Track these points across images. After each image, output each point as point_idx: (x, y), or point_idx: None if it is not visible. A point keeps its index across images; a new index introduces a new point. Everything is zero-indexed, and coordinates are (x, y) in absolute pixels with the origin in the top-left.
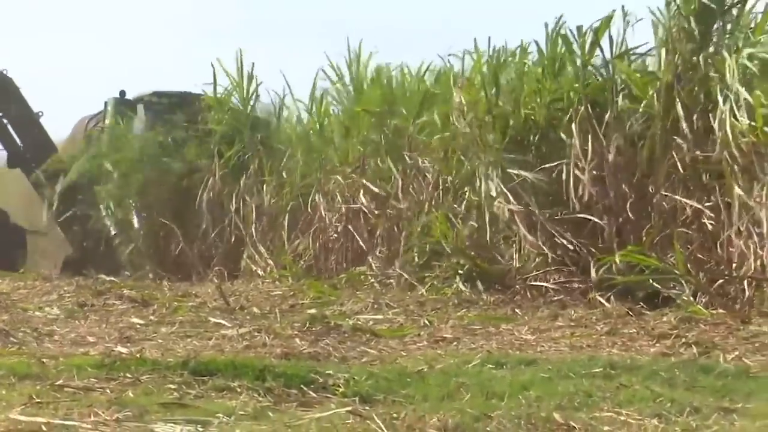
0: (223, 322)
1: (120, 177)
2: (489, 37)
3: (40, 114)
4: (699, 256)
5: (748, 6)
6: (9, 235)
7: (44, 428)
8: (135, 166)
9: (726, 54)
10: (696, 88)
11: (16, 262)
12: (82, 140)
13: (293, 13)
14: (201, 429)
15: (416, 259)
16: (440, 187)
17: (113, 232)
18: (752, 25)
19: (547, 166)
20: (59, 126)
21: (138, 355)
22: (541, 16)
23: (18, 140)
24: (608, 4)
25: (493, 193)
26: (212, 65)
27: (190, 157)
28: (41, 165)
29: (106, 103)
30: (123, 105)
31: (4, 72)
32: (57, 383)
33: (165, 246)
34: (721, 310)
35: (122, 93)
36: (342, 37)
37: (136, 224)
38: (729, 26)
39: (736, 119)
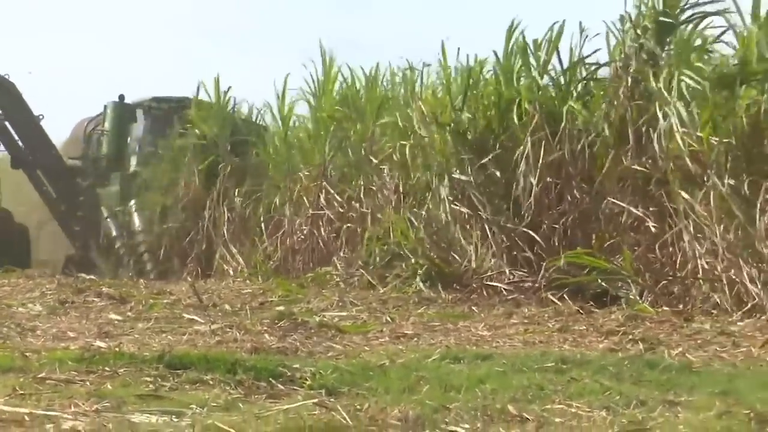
0: (196, 318)
1: (122, 180)
2: (458, 48)
3: (41, 117)
4: (645, 258)
5: (702, 24)
6: (13, 234)
7: (27, 418)
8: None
9: (673, 67)
10: (644, 101)
11: (20, 260)
12: (80, 142)
13: (293, 13)
14: (175, 419)
15: (378, 259)
16: (401, 191)
17: (114, 233)
18: (700, 42)
19: (488, 165)
20: (59, 126)
21: (116, 350)
22: (531, 25)
23: (20, 143)
24: (583, 14)
25: (444, 199)
26: (197, 85)
27: (178, 162)
28: (42, 166)
29: (105, 107)
30: (122, 109)
31: (6, 76)
32: (39, 376)
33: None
34: (665, 309)
35: (121, 97)
36: (342, 39)
37: (137, 225)
38: (679, 42)
39: (683, 129)
